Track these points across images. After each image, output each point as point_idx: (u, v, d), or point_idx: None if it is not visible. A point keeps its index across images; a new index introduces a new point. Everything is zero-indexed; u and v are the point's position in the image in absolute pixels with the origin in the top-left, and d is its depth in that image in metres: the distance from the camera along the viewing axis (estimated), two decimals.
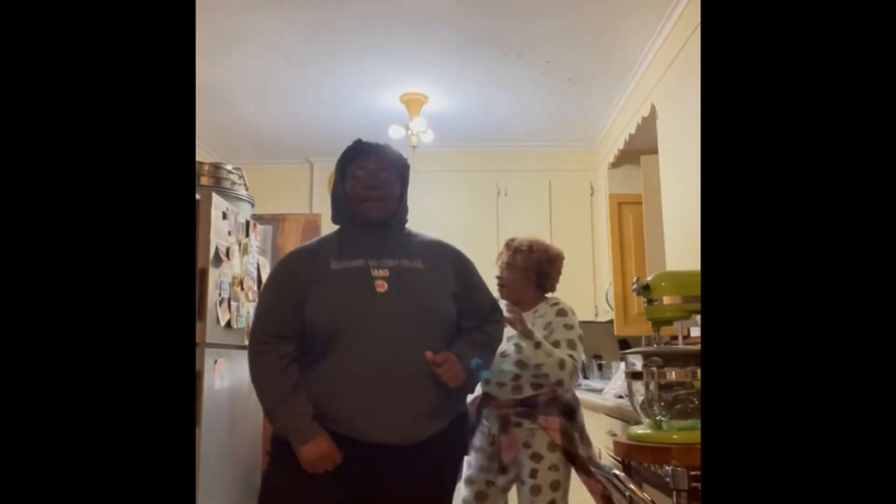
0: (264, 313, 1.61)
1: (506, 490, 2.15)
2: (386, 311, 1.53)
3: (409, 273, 1.59)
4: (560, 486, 2.07)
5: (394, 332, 1.52)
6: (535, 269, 2.21)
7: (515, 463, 2.08)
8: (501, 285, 2.24)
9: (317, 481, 1.49)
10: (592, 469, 2.02)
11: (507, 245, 2.26)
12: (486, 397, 2.16)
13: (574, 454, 2.07)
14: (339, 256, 1.61)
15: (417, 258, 1.63)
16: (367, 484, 1.51)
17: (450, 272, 1.66)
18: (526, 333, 2.02)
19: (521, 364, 2.10)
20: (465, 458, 2.11)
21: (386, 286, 1.55)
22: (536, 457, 2.07)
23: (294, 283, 1.58)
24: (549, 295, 2.27)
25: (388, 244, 1.63)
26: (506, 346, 2.08)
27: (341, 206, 1.67)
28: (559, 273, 2.27)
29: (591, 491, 2.04)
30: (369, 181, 1.61)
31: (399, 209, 1.67)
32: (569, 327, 2.14)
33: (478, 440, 2.17)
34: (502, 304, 2.10)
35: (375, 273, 1.57)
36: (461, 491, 2.12)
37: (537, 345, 2.02)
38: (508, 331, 2.11)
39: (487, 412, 2.14)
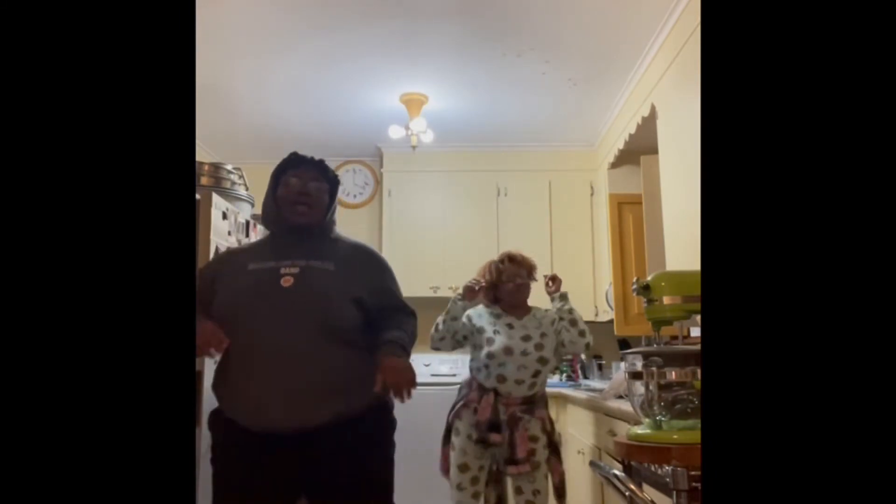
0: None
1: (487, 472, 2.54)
2: (286, 302, 1.63)
3: (317, 273, 1.69)
4: (545, 461, 2.48)
5: (288, 323, 1.61)
6: (532, 278, 2.64)
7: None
8: (525, 288, 2.60)
9: (233, 472, 1.62)
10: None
11: (522, 257, 2.63)
12: (494, 393, 2.45)
13: (553, 440, 2.50)
14: (258, 258, 1.73)
15: (330, 260, 1.72)
16: (284, 473, 1.60)
17: (360, 275, 1.75)
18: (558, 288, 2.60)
19: (542, 361, 2.49)
20: (459, 446, 2.47)
21: (291, 281, 1.65)
22: (533, 438, 2.45)
23: (208, 280, 1.71)
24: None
25: (306, 247, 1.73)
26: (525, 345, 2.49)
27: (270, 213, 1.79)
28: None
29: (554, 471, 2.47)
30: (300, 188, 1.73)
31: (325, 219, 1.79)
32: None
33: (472, 433, 2.45)
34: (504, 318, 2.54)
35: (284, 271, 1.67)
36: (453, 475, 2.47)
37: (568, 309, 2.55)
38: (524, 330, 2.55)
39: (496, 407, 2.46)
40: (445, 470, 2.53)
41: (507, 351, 2.46)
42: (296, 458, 1.59)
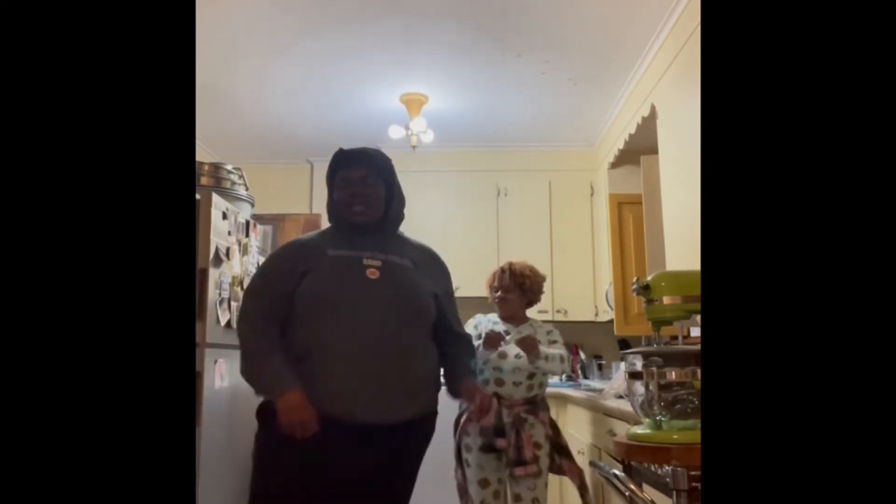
0: (255, 294, 1.72)
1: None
2: (377, 294, 1.63)
3: (399, 268, 1.71)
4: (547, 469, 2.48)
5: (383, 316, 1.61)
6: (530, 291, 2.60)
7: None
8: (504, 301, 2.60)
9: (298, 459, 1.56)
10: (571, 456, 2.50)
11: (510, 269, 2.61)
12: (496, 398, 2.44)
13: (560, 443, 2.51)
14: (334, 246, 1.71)
15: (406, 258, 1.75)
16: (345, 465, 1.56)
17: (434, 277, 1.79)
18: (536, 354, 2.41)
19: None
20: (475, 462, 2.46)
21: (378, 274, 1.66)
22: (537, 445, 2.44)
23: (290, 270, 1.67)
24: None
25: (378, 242, 1.74)
26: (518, 349, 2.47)
27: (331, 211, 1.80)
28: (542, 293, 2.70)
29: (572, 473, 2.44)
30: (353, 189, 1.72)
31: (388, 211, 1.76)
32: (558, 343, 2.61)
33: (480, 442, 2.44)
34: (500, 326, 2.56)
35: (367, 262, 1.67)
36: (475, 492, 2.45)
37: (546, 358, 2.44)
38: (518, 336, 2.51)
39: (500, 412, 2.46)
40: (459, 484, 2.49)
41: (502, 356, 2.49)
42: (376, 450, 1.59)
